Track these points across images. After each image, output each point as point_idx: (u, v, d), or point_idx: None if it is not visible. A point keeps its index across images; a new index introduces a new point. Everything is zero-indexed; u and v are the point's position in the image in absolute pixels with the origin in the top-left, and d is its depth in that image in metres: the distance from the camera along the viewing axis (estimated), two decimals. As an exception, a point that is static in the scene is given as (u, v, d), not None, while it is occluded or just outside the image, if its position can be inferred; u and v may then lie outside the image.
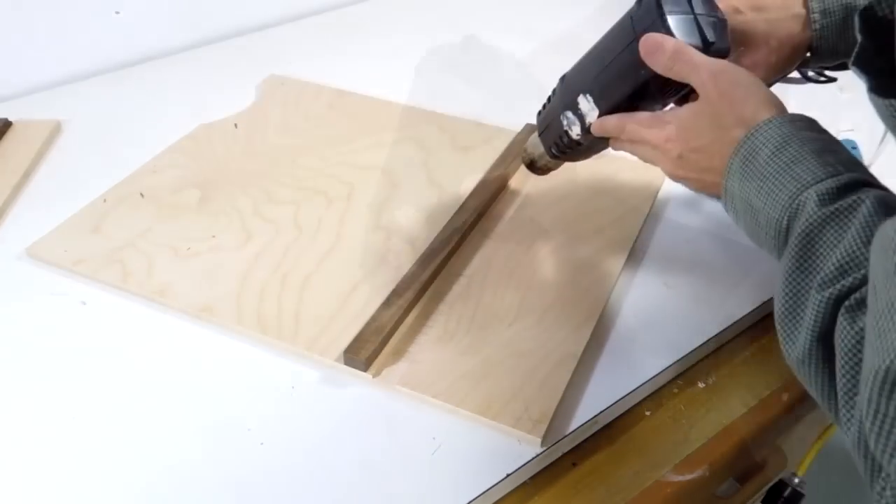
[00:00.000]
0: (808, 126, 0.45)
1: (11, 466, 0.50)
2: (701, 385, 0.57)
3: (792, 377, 0.57)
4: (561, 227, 0.67)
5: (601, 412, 0.52)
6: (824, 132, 0.45)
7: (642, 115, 0.51)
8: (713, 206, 0.70)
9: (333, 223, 0.69)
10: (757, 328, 0.61)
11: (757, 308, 0.60)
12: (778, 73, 0.57)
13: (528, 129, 0.79)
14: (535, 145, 0.60)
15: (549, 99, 0.57)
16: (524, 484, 0.50)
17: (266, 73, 0.93)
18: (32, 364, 0.57)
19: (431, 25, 1.05)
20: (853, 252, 0.38)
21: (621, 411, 0.54)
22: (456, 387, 0.53)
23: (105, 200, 0.72)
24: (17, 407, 0.54)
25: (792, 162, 0.43)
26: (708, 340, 0.58)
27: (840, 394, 0.37)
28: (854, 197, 0.40)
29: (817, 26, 0.55)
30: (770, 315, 0.61)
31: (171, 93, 0.91)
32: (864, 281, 0.37)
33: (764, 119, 0.45)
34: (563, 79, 0.56)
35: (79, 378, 0.56)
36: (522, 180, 0.73)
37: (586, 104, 0.52)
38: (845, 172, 0.42)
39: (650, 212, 0.69)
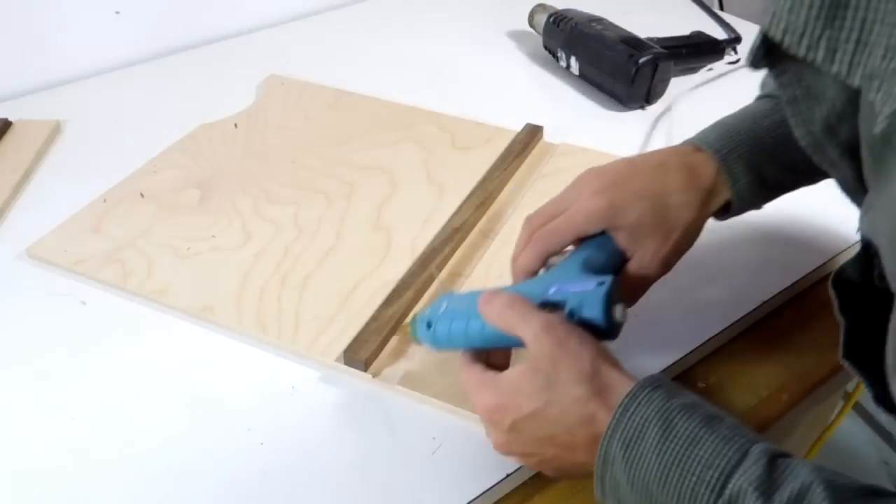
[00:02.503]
0: (667, 385, 0.40)
1: (11, 466, 0.50)
2: (701, 385, 0.57)
3: (792, 377, 0.58)
4: (561, 227, 0.67)
5: (601, 412, 0.52)
6: (678, 387, 0.40)
7: (474, 372, 0.44)
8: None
9: (333, 223, 0.69)
10: (757, 328, 0.61)
11: (757, 308, 0.60)
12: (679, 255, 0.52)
13: (528, 128, 0.79)
14: None
15: None
16: (524, 484, 0.50)
17: (266, 73, 0.93)
18: (32, 364, 0.57)
19: (431, 25, 1.05)
20: None
21: (621, 411, 0.54)
22: (456, 387, 0.53)
23: (105, 200, 0.72)
24: (16, 407, 0.54)
25: (689, 443, 0.37)
26: (708, 340, 0.57)
27: None
28: (791, 485, 0.34)
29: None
30: (769, 315, 0.62)
31: (171, 93, 0.91)
32: None
33: (625, 392, 0.39)
34: None
35: (79, 378, 0.56)
36: (522, 180, 0.73)
37: None
38: (750, 444, 0.37)
39: (650, 212, 0.69)
